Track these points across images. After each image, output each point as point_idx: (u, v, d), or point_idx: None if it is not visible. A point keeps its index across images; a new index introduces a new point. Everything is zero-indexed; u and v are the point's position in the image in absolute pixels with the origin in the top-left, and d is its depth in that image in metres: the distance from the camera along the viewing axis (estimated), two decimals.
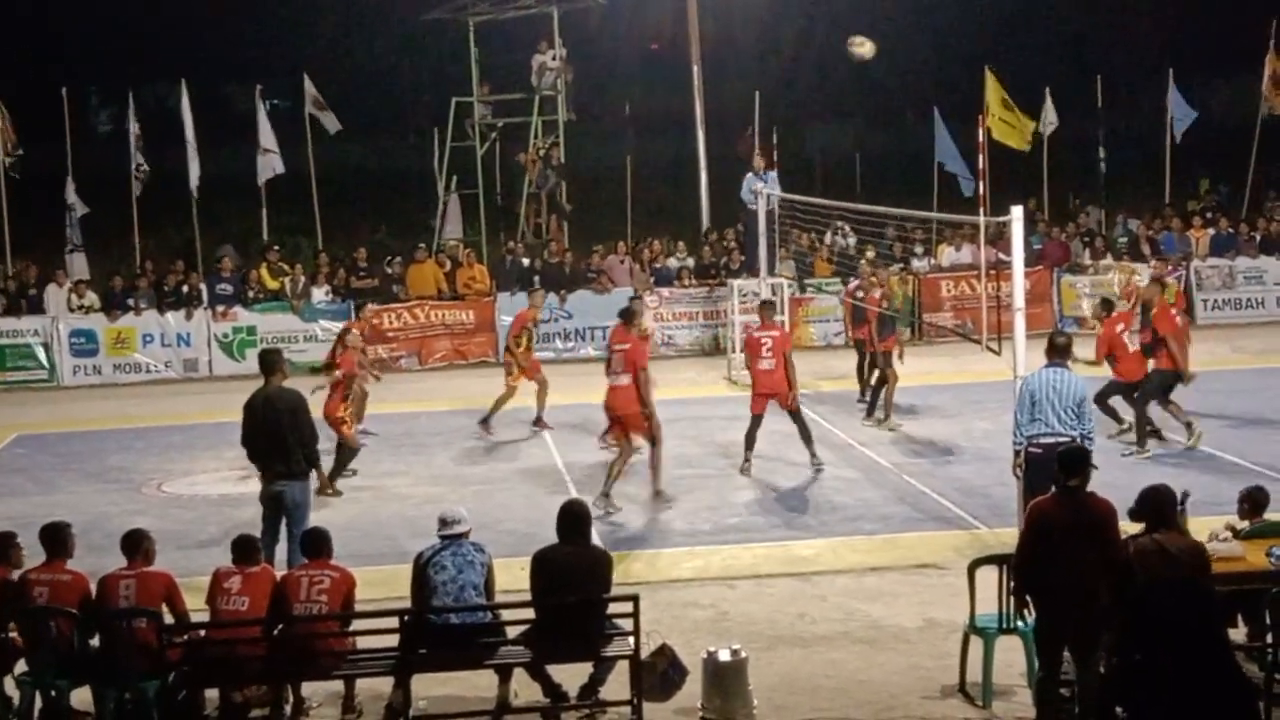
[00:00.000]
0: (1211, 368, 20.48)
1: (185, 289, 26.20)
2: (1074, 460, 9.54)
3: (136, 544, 10.61)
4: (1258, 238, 27.72)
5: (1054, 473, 9.62)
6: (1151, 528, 9.12)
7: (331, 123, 28.97)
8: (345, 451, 17.18)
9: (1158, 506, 9.20)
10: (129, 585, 10.34)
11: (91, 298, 26.05)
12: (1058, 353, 13.11)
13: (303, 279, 26.31)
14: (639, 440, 15.92)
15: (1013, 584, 9.83)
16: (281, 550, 12.77)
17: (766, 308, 18.45)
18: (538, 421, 19.96)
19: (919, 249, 27.23)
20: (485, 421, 19.62)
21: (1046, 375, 12.90)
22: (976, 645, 10.45)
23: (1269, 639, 9.95)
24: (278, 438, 12.91)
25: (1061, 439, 12.60)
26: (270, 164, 27.64)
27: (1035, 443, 12.67)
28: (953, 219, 24.71)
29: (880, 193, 30.81)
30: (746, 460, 17.05)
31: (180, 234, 30.23)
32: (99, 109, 49.03)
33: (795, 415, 16.90)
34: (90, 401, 24.00)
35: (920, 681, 10.74)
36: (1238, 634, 10.24)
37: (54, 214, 28.02)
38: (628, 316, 16.81)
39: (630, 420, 15.82)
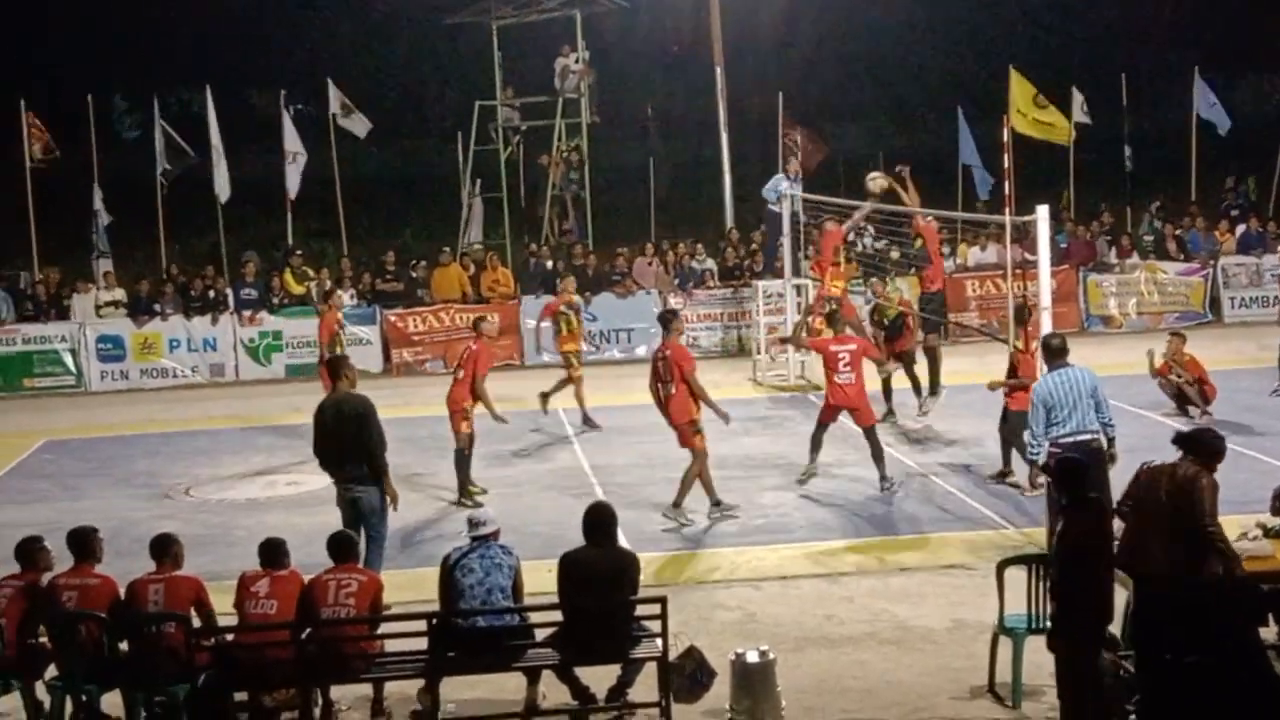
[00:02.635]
0: (1238, 366, 20.42)
1: (211, 294, 26.29)
2: (1068, 473, 9.54)
3: (165, 548, 10.66)
4: None
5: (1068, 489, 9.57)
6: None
7: (361, 125, 29.02)
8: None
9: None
10: (158, 589, 10.38)
11: (119, 293, 26.22)
12: (1055, 355, 13.15)
13: (328, 283, 26.36)
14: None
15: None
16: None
17: (834, 319, 17.83)
18: (586, 420, 20.01)
19: (944, 249, 27.15)
20: (545, 396, 20.06)
21: (1053, 379, 12.92)
22: (1005, 646, 10.42)
23: None
24: (348, 444, 12.88)
25: (1082, 435, 12.62)
26: (297, 168, 27.71)
27: (1058, 443, 12.66)
28: (977, 218, 24.70)
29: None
30: (813, 463, 16.51)
31: (205, 239, 30.32)
32: (124, 115, 49.19)
33: (869, 432, 16.36)
34: (117, 407, 24.08)
35: (949, 682, 10.72)
36: (1269, 634, 10.18)
37: (80, 220, 28.15)
38: (667, 321, 16.33)
39: (682, 430, 15.45)
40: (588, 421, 20.06)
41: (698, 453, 15.42)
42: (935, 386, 19.12)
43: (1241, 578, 9.34)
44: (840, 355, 16.32)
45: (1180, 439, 9.74)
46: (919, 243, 19.95)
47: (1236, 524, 10.94)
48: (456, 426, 16.82)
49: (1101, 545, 9.35)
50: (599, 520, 10.62)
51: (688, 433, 15.43)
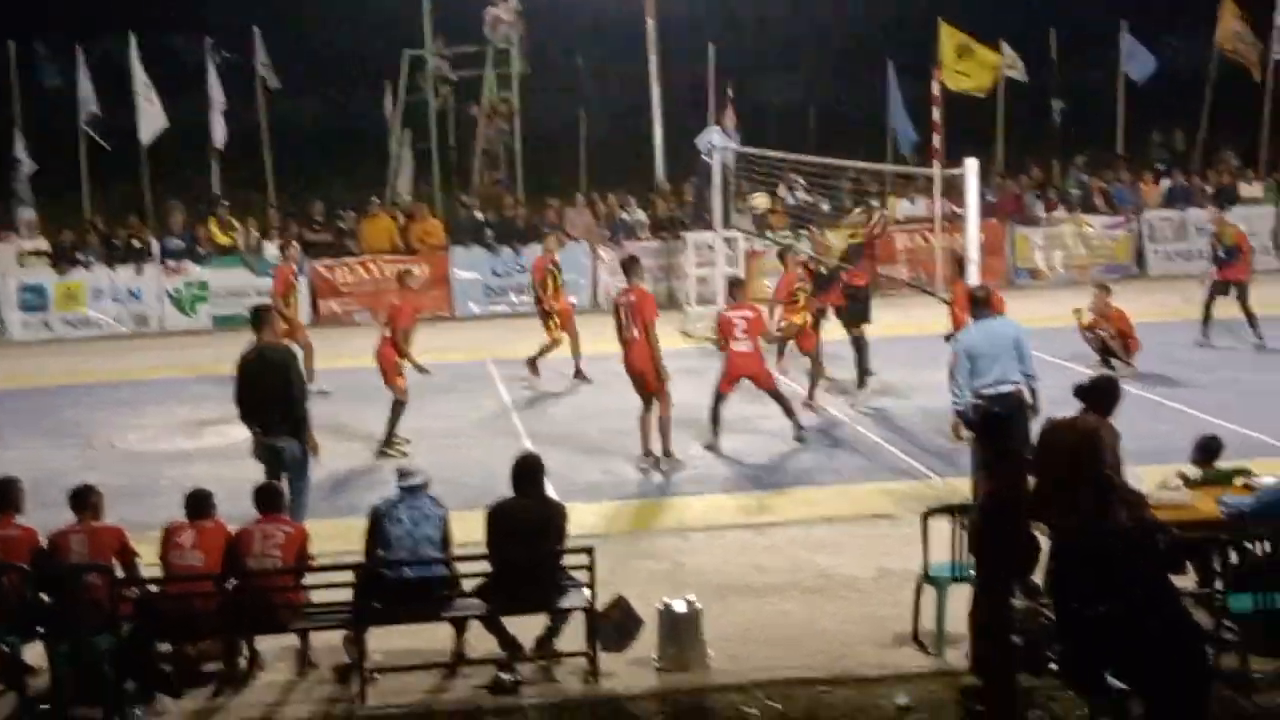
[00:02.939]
0: (1163, 319, 20.66)
1: (136, 244, 25.99)
2: (989, 427, 9.65)
3: (84, 499, 10.61)
4: (1210, 190, 27.86)
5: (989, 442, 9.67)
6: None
7: (273, 77, 28.70)
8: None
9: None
10: (80, 540, 10.33)
11: (42, 242, 25.93)
12: (982, 305, 13.26)
13: (255, 234, 26.14)
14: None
15: None
16: None
17: (737, 286, 17.45)
18: (577, 373, 19.81)
19: (874, 202, 27.21)
20: (532, 362, 19.76)
21: (977, 330, 13.04)
22: (929, 594, 10.52)
23: (1218, 586, 10.05)
24: (271, 395, 12.81)
25: (1004, 386, 12.75)
26: (220, 117, 27.38)
27: (980, 394, 12.78)
28: (906, 171, 24.79)
29: (834, 145, 30.80)
30: (716, 435, 16.32)
31: (129, 189, 29.93)
32: (46, 62, 48.33)
33: (774, 394, 16.38)
34: (39, 357, 23.83)
35: (873, 630, 10.81)
36: (1187, 581, 10.34)
37: (2, 169, 27.72)
38: (630, 266, 16.36)
39: (646, 378, 15.48)
40: (579, 374, 19.73)
41: (664, 397, 15.50)
42: (863, 379, 18.64)
43: (1148, 521, 9.48)
44: (737, 322, 16.19)
45: (1079, 391, 9.86)
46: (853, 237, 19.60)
47: (1158, 474, 11.10)
48: (391, 381, 16.77)
49: (1020, 497, 9.47)
50: (526, 470, 10.64)
51: (652, 378, 15.45)
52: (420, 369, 17.11)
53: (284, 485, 12.14)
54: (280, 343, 13.09)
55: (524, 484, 10.58)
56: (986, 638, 9.43)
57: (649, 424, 15.58)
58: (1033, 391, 13.00)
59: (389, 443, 16.62)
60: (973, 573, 10.31)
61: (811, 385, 17.93)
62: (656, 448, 15.58)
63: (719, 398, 16.38)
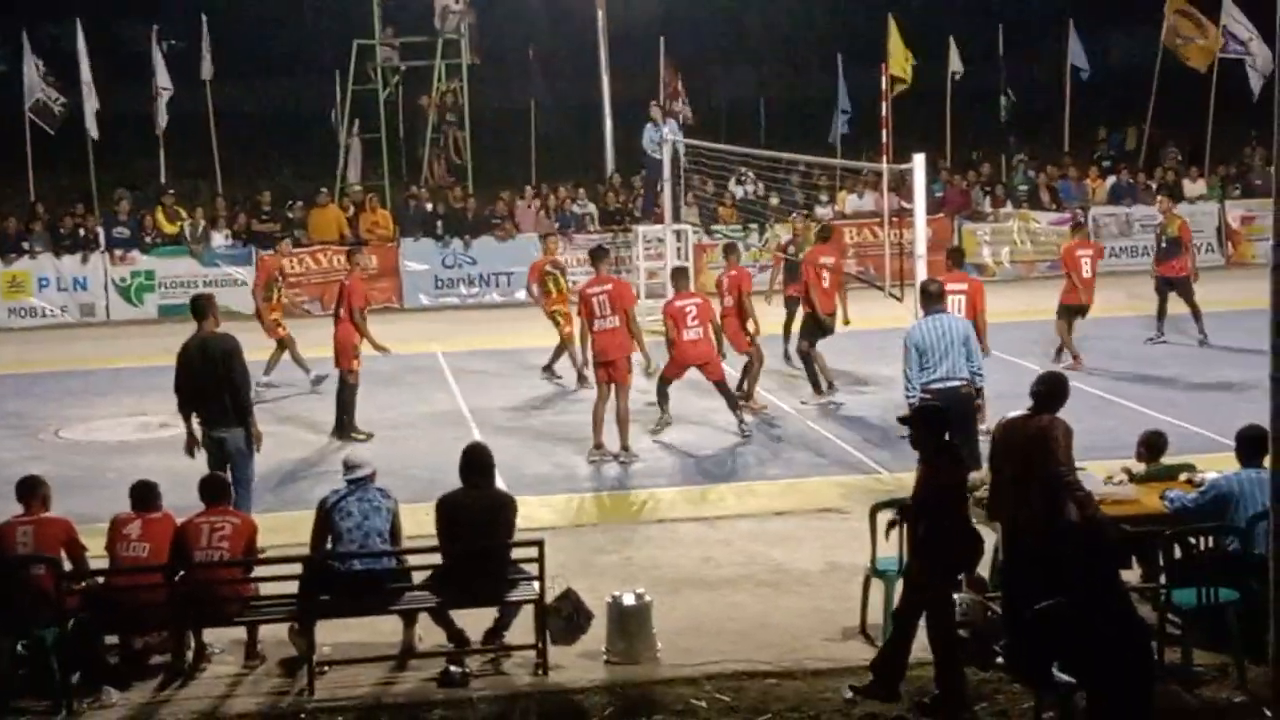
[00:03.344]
0: (1108, 314, 20.78)
1: (81, 232, 25.76)
2: (928, 422, 9.69)
3: (33, 490, 10.51)
4: (1154, 186, 28.10)
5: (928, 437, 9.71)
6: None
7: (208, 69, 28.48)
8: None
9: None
10: (26, 532, 10.24)
11: None
12: (933, 300, 13.35)
13: (202, 223, 25.96)
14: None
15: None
16: None
17: (680, 275, 17.26)
18: (581, 377, 18.94)
19: (823, 196, 27.35)
20: (548, 368, 19.51)
21: (926, 324, 13.12)
22: (877, 588, 10.58)
23: (1162, 580, 10.16)
24: (213, 384, 12.69)
25: (952, 381, 12.85)
26: (161, 103, 27.14)
27: (929, 389, 12.88)
28: (855, 165, 24.88)
29: (784, 139, 30.91)
30: (665, 414, 16.44)
31: (75, 176, 29.67)
32: None
33: (721, 385, 16.39)
34: None
35: (822, 624, 10.86)
36: (1131, 576, 10.44)
37: None
38: (600, 256, 16.40)
39: (619, 365, 15.49)
40: (582, 379, 18.68)
41: (626, 389, 15.58)
42: (817, 386, 18.36)
43: (1097, 519, 9.57)
44: (687, 309, 16.12)
45: (1032, 389, 9.93)
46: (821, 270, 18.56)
47: (1104, 469, 11.19)
48: (347, 364, 16.71)
49: (960, 492, 9.54)
50: (475, 461, 10.62)
51: (623, 367, 15.52)
52: (380, 348, 17.07)
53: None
54: (223, 333, 12.99)
55: (473, 475, 10.56)
56: (901, 633, 9.50)
57: (602, 415, 15.58)
58: (979, 390, 13.11)
59: (350, 430, 16.59)
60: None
61: (750, 384, 17.64)
62: (608, 440, 15.58)
63: (664, 382, 16.43)
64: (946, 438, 9.66)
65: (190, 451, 12.81)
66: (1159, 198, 23.06)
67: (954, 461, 9.61)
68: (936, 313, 13.25)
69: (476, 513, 10.40)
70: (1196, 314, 20.29)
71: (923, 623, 9.51)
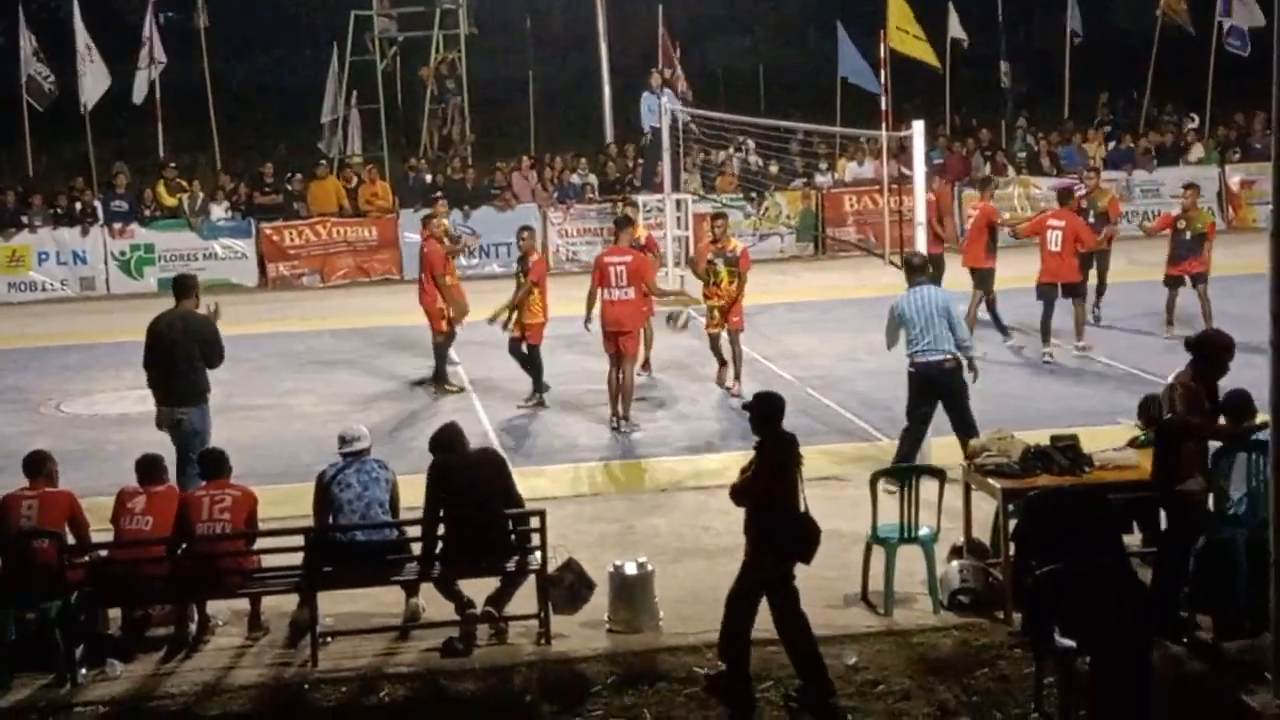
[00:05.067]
0: (1109, 280, 20.71)
1: (80, 206, 25.73)
2: (765, 410, 9.61)
3: (39, 465, 10.54)
4: (1153, 150, 28.03)
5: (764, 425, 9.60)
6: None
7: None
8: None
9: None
10: (31, 505, 10.26)
11: None
12: (917, 272, 13.26)
13: (201, 196, 25.93)
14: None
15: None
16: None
17: (622, 226, 16.33)
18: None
19: (823, 164, 27.30)
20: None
21: (908, 297, 13.06)
22: (878, 555, 10.60)
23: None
24: (181, 362, 12.67)
25: (933, 355, 12.80)
26: (147, 76, 27.02)
27: (914, 361, 12.89)
28: (855, 133, 24.80)
29: (783, 107, 30.82)
30: (618, 417, 15.58)
31: (73, 150, 29.62)
32: None
33: (628, 367, 15.57)
34: None
35: (823, 591, 10.85)
36: (1133, 540, 10.46)
37: None
38: (623, 226, 16.21)
39: (629, 338, 15.47)
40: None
41: (632, 360, 15.64)
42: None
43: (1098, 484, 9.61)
44: (614, 267, 15.53)
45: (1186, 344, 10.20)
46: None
47: (1104, 436, 11.21)
48: (436, 325, 17.21)
49: (787, 479, 9.38)
50: (443, 439, 10.62)
51: (634, 339, 15.55)
52: (454, 320, 17.27)
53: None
54: (202, 315, 12.96)
55: (440, 450, 10.55)
56: (737, 617, 9.42)
57: (616, 385, 15.59)
58: (969, 359, 13.05)
59: (442, 381, 17.18)
60: (922, 533, 10.47)
61: (735, 369, 16.82)
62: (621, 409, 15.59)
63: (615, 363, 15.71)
64: (777, 425, 9.49)
65: (161, 425, 12.81)
66: (1086, 171, 22.42)
67: (780, 447, 9.46)
68: (919, 284, 13.17)
69: (470, 473, 10.40)
70: (1101, 288, 19.90)
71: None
